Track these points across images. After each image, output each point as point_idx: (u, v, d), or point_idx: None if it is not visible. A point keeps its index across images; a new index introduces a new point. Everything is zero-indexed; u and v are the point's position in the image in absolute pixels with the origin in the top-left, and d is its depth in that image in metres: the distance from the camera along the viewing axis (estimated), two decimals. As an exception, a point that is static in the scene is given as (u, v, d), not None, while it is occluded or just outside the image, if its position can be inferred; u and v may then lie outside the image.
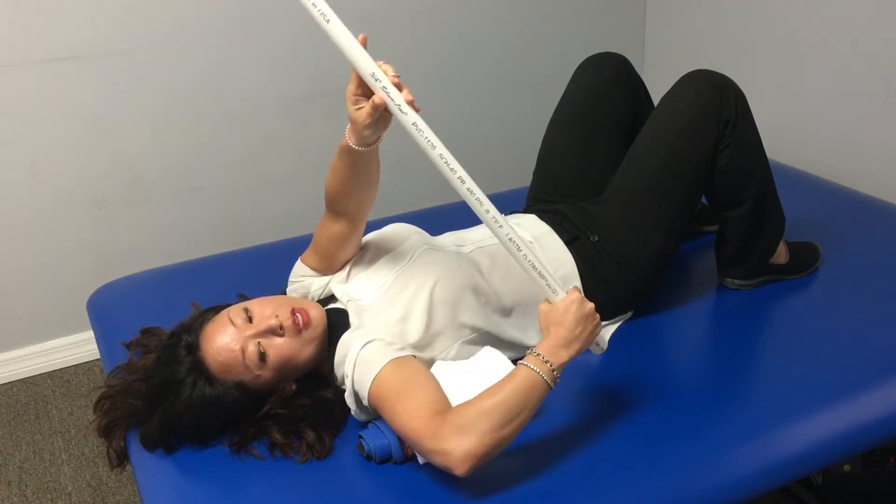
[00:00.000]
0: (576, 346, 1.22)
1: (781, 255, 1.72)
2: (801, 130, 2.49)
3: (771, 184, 1.65)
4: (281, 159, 2.56)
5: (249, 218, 2.57)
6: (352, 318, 1.40)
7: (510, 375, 1.19)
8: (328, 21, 1.13)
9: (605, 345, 1.37)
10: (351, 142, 1.25)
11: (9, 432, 2.19)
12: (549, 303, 1.25)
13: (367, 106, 1.17)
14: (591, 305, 1.24)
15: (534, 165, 1.79)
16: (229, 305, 1.37)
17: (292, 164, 2.58)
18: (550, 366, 1.18)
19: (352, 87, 1.19)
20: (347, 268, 1.50)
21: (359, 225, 1.44)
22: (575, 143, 1.72)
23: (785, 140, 2.48)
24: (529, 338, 1.48)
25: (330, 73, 2.53)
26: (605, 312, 1.58)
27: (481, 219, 1.22)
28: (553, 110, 1.77)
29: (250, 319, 1.31)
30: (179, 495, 1.25)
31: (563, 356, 1.20)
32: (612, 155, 1.70)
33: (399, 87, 1.16)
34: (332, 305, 1.46)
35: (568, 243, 1.56)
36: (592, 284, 1.54)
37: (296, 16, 2.41)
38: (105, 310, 1.78)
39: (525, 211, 1.73)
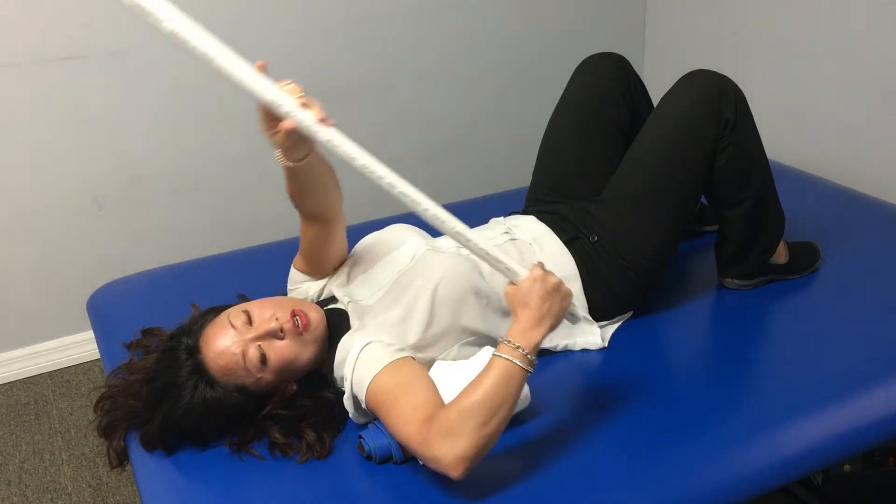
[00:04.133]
0: (547, 323, 1.20)
1: (781, 255, 1.72)
2: (801, 130, 2.49)
3: (771, 184, 1.65)
4: (281, 159, 2.56)
5: (249, 218, 2.57)
6: (352, 320, 1.40)
7: (486, 368, 1.17)
8: (213, 60, 1.06)
9: (580, 315, 1.34)
10: (282, 161, 1.25)
11: (9, 432, 2.19)
12: (514, 284, 1.23)
13: (280, 132, 1.15)
14: (554, 279, 1.22)
15: (533, 165, 1.79)
16: (229, 306, 1.37)
17: (292, 164, 2.58)
18: (523, 350, 1.17)
19: (260, 116, 1.16)
20: (347, 269, 1.50)
21: (333, 226, 1.44)
22: (574, 143, 1.72)
23: (785, 140, 2.48)
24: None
25: (330, 73, 2.53)
26: (605, 312, 1.58)
27: (421, 218, 1.20)
28: (553, 110, 1.77)
29: (250, 322, 1.31)
30: (179, 495, 1.25)
31: (535, 337, 1.18)
32: (612, 155, 1.70)
33: (308, 105, 1.12)
34: (332, 306, 1.46)
35: (567, 244, 1.56)
36: (592, 284, 1.54)
37: (296, 16, 2.42)
38: (105, 310, 1.78)
39: (524, 211, 1.73)
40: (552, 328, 1.21)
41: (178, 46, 1.02)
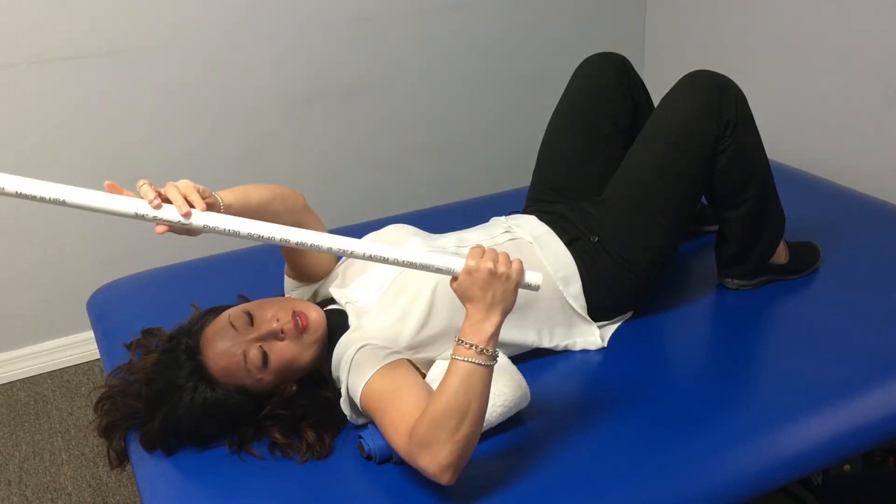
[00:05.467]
0: (497, 309, 1.14)
1: (781, 255, 1.72)
2: (801, 130, 2.49)
3: (771, 184, 1.65)
4: (280, 159, 2.56)
5: (249, 218, 2.57)
6: (351, 320, 1.40)
7: (446, 374, 1.14)
8: (63, 201, 1.03)
9: (538, 282, 1.20)
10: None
11: (9, 432, 2.19)
12: (455, 278, 1.17)
13: (162, 229, 1.10)
14: (487, 265, 1.13)
15: (533, 165, 1.79)
16: (229, 307, 1.37)
17: (291, 165, 2.58)
18: (477, 347, 1.13)
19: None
20: (344, 270, 1.50)
21: None
22: (574, 143, 1.72)
23: (785, 140, 2.48)
24: (528, 337, 1.48)
25: (330, 73, 2.53)
26: (606, 312, 1.58)
27: (336, 253, 1.15)
28: (553, 110, 1.77)
29: (251, 323, 1.31)
30: (179, 495, 1.25)
31: (488, 329, 1.13)
32: (612, 155, 1.70)
33: (165, 201, 1.07)
34: (331, 307, 1.46)
35: (568, 244, 1.56)
36: (592, 285, 1.54)
37: (296, 16, 2.42)
38: (105, 310, 1.78)
39: (525, 211, 1.73)
40: (506, 312, 1.15)
41: (28, 201, 1.03)
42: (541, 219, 1.62)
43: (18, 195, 1.02)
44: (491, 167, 2.89)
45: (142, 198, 1.07)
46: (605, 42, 2.46)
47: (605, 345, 1.54)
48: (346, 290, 1.47)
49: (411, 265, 1.16)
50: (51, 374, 2.44)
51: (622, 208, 1.58)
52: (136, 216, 1.07)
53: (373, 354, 1.28)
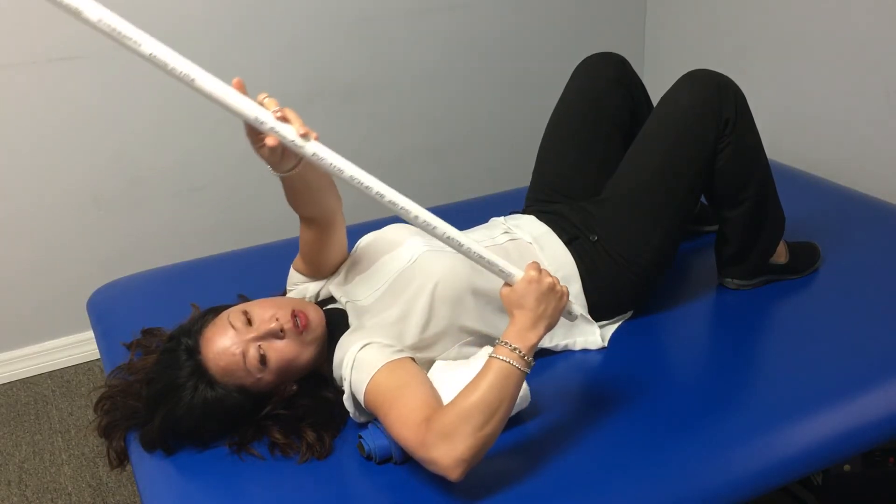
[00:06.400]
0: (543, 324, 1.20)
1: (781, 255, 1.72)
2: (801, 130, 2.49)
3: (771, 184, 1.65)
4: (281, 159, 2.56)
5: (249, 218, 2.57)
6: (351, 319, 1.40)
7: (483, 370, 1.17)
8: (193, 80, 1.06)
9: (577, 313, 1.35)
10: (273, 173, 1.24)
11: (9, 432, 2.19)
12: (509, 286, 1.23)
13: (265, 147, 1.15)
14: (550, 280, 1.21)
15: (533, 165, 1.79)
16: (229, 306, 1.37)
17: (292, 164, 2.58)
18: (520, 352, 1.17)
19: (247, 131, 1.16)
20: (346, 269, 1.50)
21: (332, 228, 1.43)
22: (574, 142, 1.72)
23: (785, 140, 2.48)
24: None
25: (330, 73, 2.53)
26: (605, 312, 1.58)
27: (412, 224, 1.19)
28: (552, 110, 1.77)
29: (250, 322, 1.31)
30: (179, 495, 1.25)
31: (532, 338, 1.19)
32: (611, 154, 1.70)
33: (286, 118, 1.11)
34: (331, 306, 1.46)
35: (567, 243, 1.56)
36: (592, 284, 1.54)
37: (296, 16, 2.42)
38: (105, 310, 1.78)
39: (524, 211, 1.73)
40: (549, 328, 1.22)
41: (158, 69, 1.04)
42: (540, 219, 1.62)
43: (151, 58, 1.02)
44: (491, 167, 2.89)
45: (265, 108, 1.09)
46: (605, 42, 2.46)
47: (606, 344, 1.54)
48: (347, 287, 1.47)
49: (479, 259, 1.22)
50: (51, 374, 2.44)
51: (622, 207, 1.58)
52: (256, 121, 1.08)
53: (377, 351, 1.28)
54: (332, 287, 1.48)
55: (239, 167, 2.50)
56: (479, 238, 1.55)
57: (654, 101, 1.72)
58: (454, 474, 1.13)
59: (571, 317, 1.33)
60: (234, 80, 1.08)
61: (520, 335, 1.19)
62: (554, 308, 1.21)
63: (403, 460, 1.26)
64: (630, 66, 1.76)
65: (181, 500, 1.25)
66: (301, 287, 1.52)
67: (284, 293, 1.56)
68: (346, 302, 1.43)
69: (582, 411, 1.37)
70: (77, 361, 2.47)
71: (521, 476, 1.22)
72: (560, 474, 1.23)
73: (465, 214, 1.68)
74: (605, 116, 1.71)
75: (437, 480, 1.21)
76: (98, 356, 1.75)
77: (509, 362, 1.16)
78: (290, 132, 1.10)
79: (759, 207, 1.63)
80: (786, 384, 1.42)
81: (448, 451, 1.12)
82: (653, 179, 1.57)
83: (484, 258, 1.22)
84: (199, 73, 1.05)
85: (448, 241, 1.21)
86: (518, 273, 1.23)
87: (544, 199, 1.72)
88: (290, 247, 1.61)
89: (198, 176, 2.46)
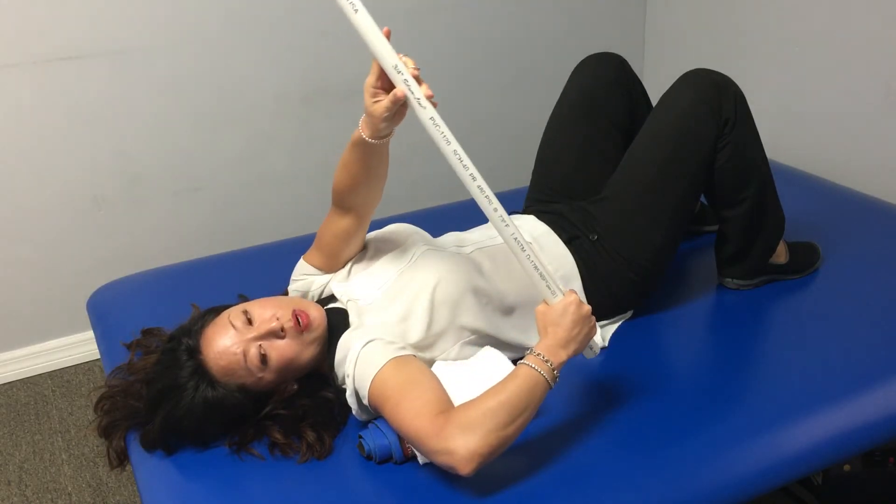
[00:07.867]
0: (573, 347, 1.23)
1: (781, 254, 1.72)
2: (801, 130, 2.49)
3: (771, 183, 1.65)
4: (281, 159, 2.56)
5: (249, 218, 2.57)
6: (351, 318, 1.40)
7: (512, 375, 1.19)
8: (356, 11, 1.14)
9: (598, 349, 1.38)
10: (365, 134, 1.25)
11: (9, 432, 2.19)
12: (547, 304, 1.25)
13: (385, 99, 1.18)
14: (587, 308, 1.25)
15: (533, 165, 1.79)
16: (229, 306, 1.37)
17: (292, 164, 2.58)
18: (551, 365, 1.20)
19: (371, 80, 1.19)
20: (348, 267, 1.50)
21: (364, 221, 1.44)
22: (573, 142, 1.72)
23: (785, 140, 2.48)
24: (530, 339, 1.48)
25: (329, 72, 2.53)
26: (605, 312, 1.58)
27: (488, 217, 1.23)
28: (552, 110, 1.77)
29: (250, 322, 1.31)
30: (179, 495, 1.25)
31: (562, 356, 1.22)
32: (611, 154, 1.70)
33: (419, 80, 1.16)
34: (331, 305, 1.46)
35: (567, 243, 1.56)
36: (592, 284, 1.54)
37: (296, 16, 2.42)
38: (105, 310, 1.78)
39: (524, 211, 1.73)
40: (576, 353, 1.24)
41: None
42: (540, 218, 1.62)
43: None
44: (491, 167, 2.88)
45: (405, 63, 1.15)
46: (605, 42, 2.46)
47: (606, 344, 1.54)
48: (348, 286, 1.47)
49: (534, 268, 1.24)
50: (51, 374, 2.44)
51: (621, 207, 1.58)
52: (395, 69, 1.14)
53: (382, 348, 1.28)
54: (334, 285, 1.48)
55: (239, 167, 2.50)
56: (479, 238, 1.55)
57: (654, 101, 1.72)
58: (467, 468, 1.12)
59: (591, 351, 1.36)
60: (385, 29, 1.15)
61: (552, 350, 1.21)
62: (585, 336, 1.25)
63: (403, 460, 1.26)
64: (629, 66, 1.76)
65: (181, 500, 1.24)
66: (307, 280, 1.51)
67: (285, 293, 1.56)
68: (348, 301, 1.43)
69: (582, 411, 1.37)
70: (77, 361, 2.47)
71: (521, 476, 1.22)
72: (559, 474, 1.23)
73: (465, 214, 1.68)
74: (604, 116, 1.71)
75: (436, 481, 1.21)
76: (98, 356, 1.75)
77: (539, 371, 1.18)
78: (419, 91, 1.14)
79: (759, 207, 1.63)
80: (786, 384, 1.42)
81: (466, 443, 1.12)
82: (652, 179, 1.57)
83: (538, 269, 1.24)
84: (362, 8, 1.13)
85: (514, 244, 1.24)
86: (560, 293, 1.25)
87: (544, 198, 1.72)
88: (289, 247, 1.62)
89: (197, 176, 2.46)
